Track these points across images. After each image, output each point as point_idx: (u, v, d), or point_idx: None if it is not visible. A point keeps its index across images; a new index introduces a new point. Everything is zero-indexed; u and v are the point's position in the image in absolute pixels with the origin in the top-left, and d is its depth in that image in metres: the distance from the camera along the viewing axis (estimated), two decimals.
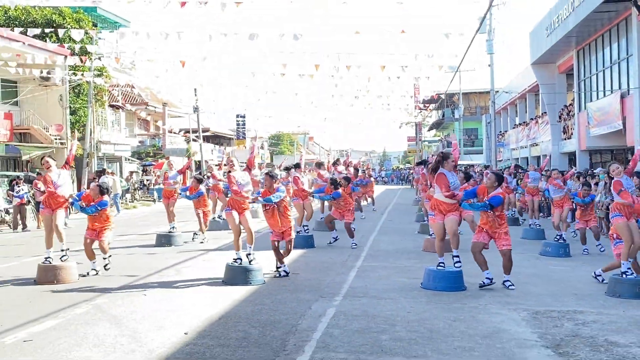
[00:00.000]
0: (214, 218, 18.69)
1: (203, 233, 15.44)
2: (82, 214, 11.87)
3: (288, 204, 10.53)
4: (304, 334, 6.84)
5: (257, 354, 6.18)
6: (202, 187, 15.61)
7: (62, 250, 10.74)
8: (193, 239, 15.45)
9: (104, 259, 11.01)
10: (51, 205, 10.84)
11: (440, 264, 9.63)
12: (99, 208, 10.69)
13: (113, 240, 11.84)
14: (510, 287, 9.31)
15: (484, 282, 9.43)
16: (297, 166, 16.38)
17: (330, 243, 14.52)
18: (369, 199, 26.74)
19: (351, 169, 21.75)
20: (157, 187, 33.22)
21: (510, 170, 21.86)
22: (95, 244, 10.99)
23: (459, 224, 10.06)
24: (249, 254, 10.21)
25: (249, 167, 11.14)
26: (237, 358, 6.06)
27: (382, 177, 72.38)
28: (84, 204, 10.85)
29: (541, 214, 20.55)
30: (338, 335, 6.78)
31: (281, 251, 10.59)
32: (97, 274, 10.76)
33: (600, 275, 10.00)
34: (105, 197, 10.88)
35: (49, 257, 10.53)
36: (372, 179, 24.16)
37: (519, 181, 21.81)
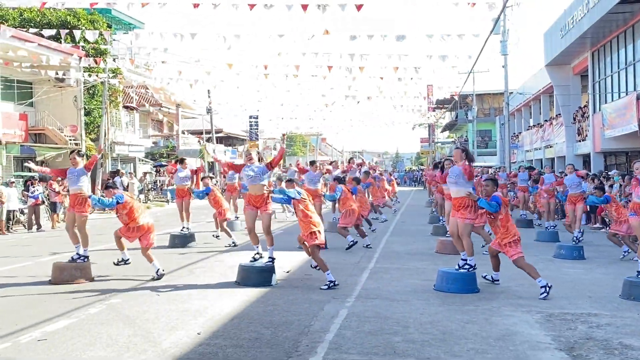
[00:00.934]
0: (236, 217, 18.79)
1: (220, 230, 15.45)
2: (102, 216, 11.76)
3: (307, 208, 9.79)
4: (316, 335, 6.84)
5: (270, 354, 6.19)
6: (210, 183, 15.54)
7: (83, 253, 10.69)
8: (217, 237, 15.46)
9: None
10: (71, 203, 10.91)
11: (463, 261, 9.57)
12: (118, 201, 10.35)
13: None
14: (541, 295, 8.77)
15: (485, 275, 9.69)
16: (312, 163, 16.40)
17: (347, 248, 13.71)
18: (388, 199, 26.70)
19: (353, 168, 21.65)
20: (170, 187, 33.34)
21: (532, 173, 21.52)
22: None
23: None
24: (270, 257, 10.21)
25: (271, 165, 10.64)
26: (250, 358, 6.08)
27: (395, 179, 72.19)
28: (102, 198, 10.79)
29: (556, 216, 20.43)
30: (350, 337, 6.78)
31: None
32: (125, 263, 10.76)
33: None
34: (118, 192, 10.56)
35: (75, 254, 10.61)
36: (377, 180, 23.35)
37: (535, 182, 21.66)
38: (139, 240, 10.52)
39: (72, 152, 11.45)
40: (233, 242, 14.79)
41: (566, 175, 15.89)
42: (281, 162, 67.55)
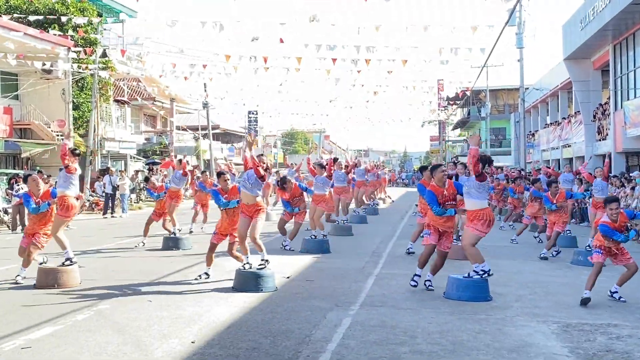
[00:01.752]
0: None
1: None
2: (91, 216, 11.70)
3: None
4: (317, 345, 6.84)
5: None
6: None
7: (68, 259, 10.48)
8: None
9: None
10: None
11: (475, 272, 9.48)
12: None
13: (116, 242, 11.72)
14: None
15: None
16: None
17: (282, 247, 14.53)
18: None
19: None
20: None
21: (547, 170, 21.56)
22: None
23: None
24: (263, 259, 10.17)
25: (262, 178, 10.53)
26: None
27: (403, 180, 72.27)
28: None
29: (573, 220, 20.42)
30: (354, 347, 6.77)
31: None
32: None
33: (616, 293, 9.55)
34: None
35: (67, 259, 10.47)
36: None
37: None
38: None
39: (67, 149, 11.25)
40: (173, 232, 15.32)
41: (595, 177, 15.88)
42: (281, 161, 67.07)
